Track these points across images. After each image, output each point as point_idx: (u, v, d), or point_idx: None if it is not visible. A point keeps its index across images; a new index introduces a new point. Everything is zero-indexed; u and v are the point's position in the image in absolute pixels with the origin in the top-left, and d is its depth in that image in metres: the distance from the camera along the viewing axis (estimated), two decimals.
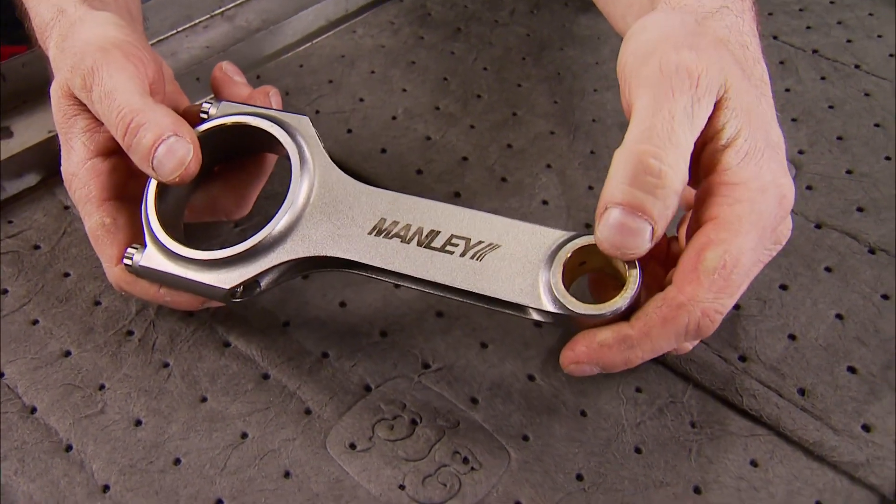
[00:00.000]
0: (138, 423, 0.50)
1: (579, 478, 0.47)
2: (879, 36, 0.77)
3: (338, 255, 0.47)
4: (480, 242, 0.45)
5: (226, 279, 0.47)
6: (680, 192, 0.40)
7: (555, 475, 0.47)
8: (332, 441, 0.49)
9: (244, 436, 0.49)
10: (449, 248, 0.46)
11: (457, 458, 0.47)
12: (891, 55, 0.74)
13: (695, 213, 0.44)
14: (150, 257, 0.49)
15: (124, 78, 0.47)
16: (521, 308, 0.45)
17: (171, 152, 0.46)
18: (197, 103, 0.53)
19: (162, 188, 0.50)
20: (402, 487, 0.46)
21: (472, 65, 0.76)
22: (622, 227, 0.40)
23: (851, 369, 0.51)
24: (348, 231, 0.47)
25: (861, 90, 0.71)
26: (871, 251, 0.57)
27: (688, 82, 0.41)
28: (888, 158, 0.64)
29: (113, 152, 0.51)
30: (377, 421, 0.49)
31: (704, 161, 0.43)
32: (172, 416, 0.50)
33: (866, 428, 0.48)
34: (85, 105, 0.50)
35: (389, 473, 0.47)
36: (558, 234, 0.44)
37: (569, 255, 0.44)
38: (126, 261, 0.49)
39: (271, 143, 0.50)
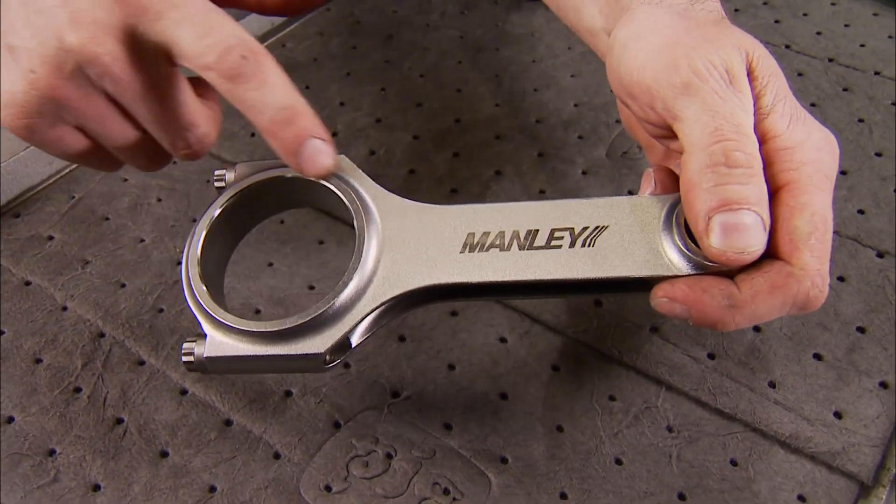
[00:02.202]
0: (96, 488, 0.47)
1: (563, 496, 0.46)
2: (805, 14, 0.78)
3: (433, 283, 0.42)
4: (585, 228, 0.42)
5: (316, 345, 0.41)
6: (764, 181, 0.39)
7: (538, 496, 0.46)
8: (305, 485, 0.47)
9: (212, 489, 0.47)
10: (554, 242, 0.42)
11: (437, 489, 0.46)
12: (818, 33, 0.76)
13: None
14: (217, 345, 0.42)
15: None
16: (646, 283, 0.41)
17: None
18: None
19: (203, 259, 0.44)
20: None
21: (408, 72, 0.74)
22: (736, 227, 0.37)
23: (817, 356, 0.51)
24: (436, 256, 0.42)
25: (794, 70, 0.72)
26: None
27: (722, 80, 0.39)
28: None
29: None
30: (351, 458, 0.48)
31: None
32: (133, 476, 0.47)
33: (838, 415, 0.48)
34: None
35: None
36: (664, 199, 0.42)
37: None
38: (186, 359, 0.42)
39: (319, 194, 0.45)
